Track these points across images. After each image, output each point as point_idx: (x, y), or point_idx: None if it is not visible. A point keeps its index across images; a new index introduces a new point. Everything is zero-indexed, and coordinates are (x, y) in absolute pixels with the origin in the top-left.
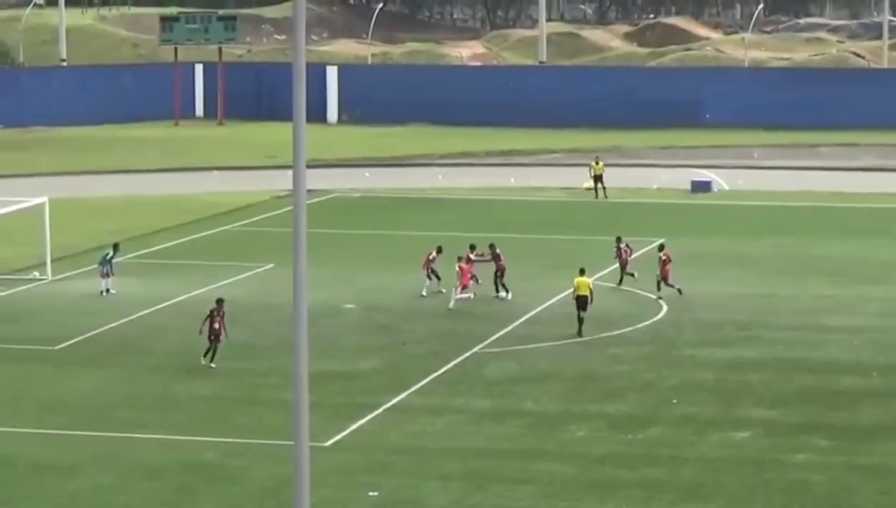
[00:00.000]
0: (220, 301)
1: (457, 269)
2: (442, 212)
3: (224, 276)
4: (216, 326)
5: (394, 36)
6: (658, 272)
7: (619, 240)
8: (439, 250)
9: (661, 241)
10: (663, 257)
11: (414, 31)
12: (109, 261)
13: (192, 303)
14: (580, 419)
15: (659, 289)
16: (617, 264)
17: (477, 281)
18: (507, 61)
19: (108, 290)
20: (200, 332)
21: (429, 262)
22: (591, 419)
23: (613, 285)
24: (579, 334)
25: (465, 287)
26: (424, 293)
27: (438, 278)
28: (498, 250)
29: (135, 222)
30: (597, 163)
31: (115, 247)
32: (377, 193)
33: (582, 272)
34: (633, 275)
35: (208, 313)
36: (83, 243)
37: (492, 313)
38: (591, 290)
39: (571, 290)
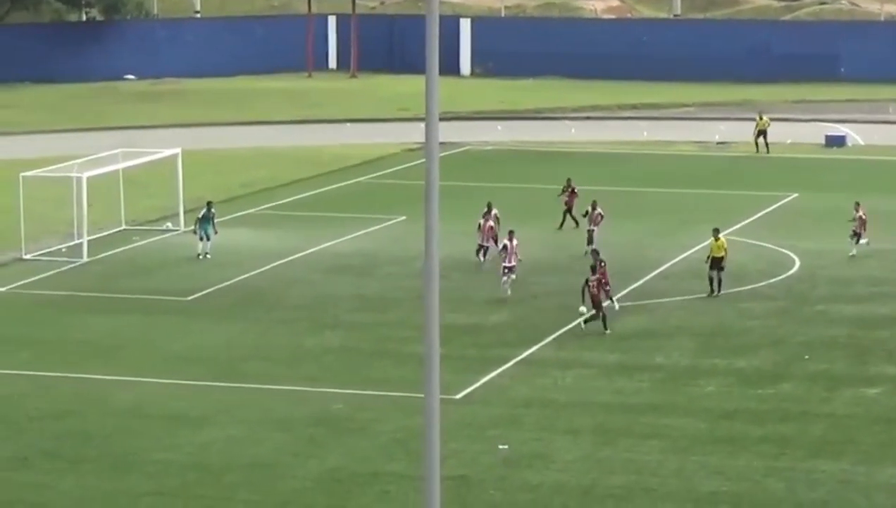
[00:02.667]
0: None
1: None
2: (574, 165)
3: (355, 228)
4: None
5: None
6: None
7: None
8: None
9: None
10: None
11: None
12: (202, 221)
13: (322, 256)
14: (710, 374)
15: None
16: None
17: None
18: (641, 14)
19: (206, 254)
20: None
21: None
22: (720, 374)
23: (747, 239)
24: (715, 292)
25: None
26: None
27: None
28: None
29: (266, 174)
30: (760, 118)
31: (209, 206)
32: (509, 146)
33: (716, 233)
34: (578, 223)
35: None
36: (215, 195)
37: (622, 267)
38: (725, 251)
39: (708, 252)
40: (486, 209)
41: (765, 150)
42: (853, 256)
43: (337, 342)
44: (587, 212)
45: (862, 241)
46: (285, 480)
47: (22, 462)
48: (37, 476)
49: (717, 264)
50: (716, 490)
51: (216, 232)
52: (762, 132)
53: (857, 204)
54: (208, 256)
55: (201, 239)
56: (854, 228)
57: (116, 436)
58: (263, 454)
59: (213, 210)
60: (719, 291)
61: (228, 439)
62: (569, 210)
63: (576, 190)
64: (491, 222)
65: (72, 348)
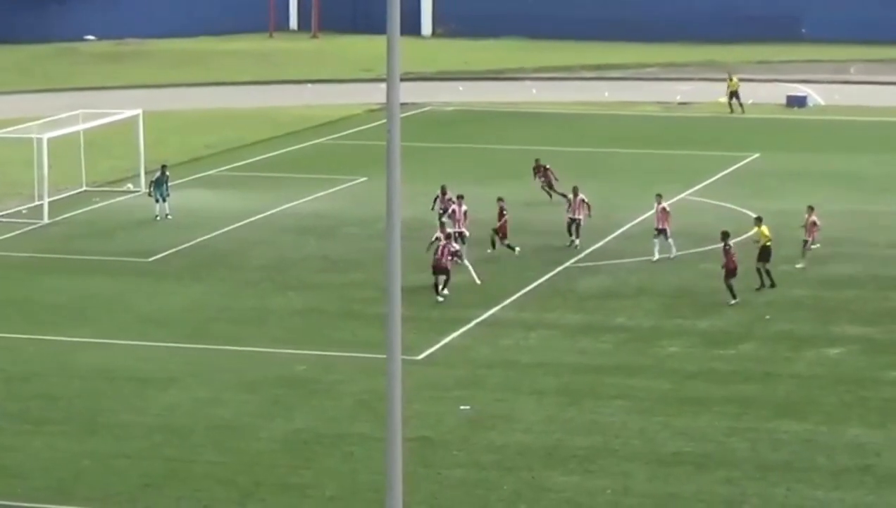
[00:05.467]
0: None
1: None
2: (536, 126)
3: (317, 189)
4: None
5: None
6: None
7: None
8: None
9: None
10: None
11: None
12: (157, 183)
13: (284, 216)
14: (673, 334)
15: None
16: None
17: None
18: None
19: (166, 215)
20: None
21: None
22: (684, 334)
23: (708, 199)
24: (766, 286)
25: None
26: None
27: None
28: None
29: (228, 135)
30: (731, 79)
31: (164, 169)
32: (471, 106)
33: (759, 221)
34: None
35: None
36: (177, 156)
37: (584, 228)
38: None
39: (756, 241)
40: (441, 193)
41: (739, 110)
42: (801, 267)
43: (301, 304)
44: (566, 197)
45: (813, 246)
46: (251, 441)
47: None
48: (3, 438)
49: (765, 254)
50: (679, 450)
51: (168, 194)
52: (734, 93)
53: (811, 208)
54: (168, 217)
55: (157, 201)
56: (805, 235)
57: (82, 398)
58: (229, 415)
59: (167, 173)
60: (772, 283)
61: (194, 400)
62: (550, 187)
63: (548, 167)
64: (465, 207)
65: (35, 309)
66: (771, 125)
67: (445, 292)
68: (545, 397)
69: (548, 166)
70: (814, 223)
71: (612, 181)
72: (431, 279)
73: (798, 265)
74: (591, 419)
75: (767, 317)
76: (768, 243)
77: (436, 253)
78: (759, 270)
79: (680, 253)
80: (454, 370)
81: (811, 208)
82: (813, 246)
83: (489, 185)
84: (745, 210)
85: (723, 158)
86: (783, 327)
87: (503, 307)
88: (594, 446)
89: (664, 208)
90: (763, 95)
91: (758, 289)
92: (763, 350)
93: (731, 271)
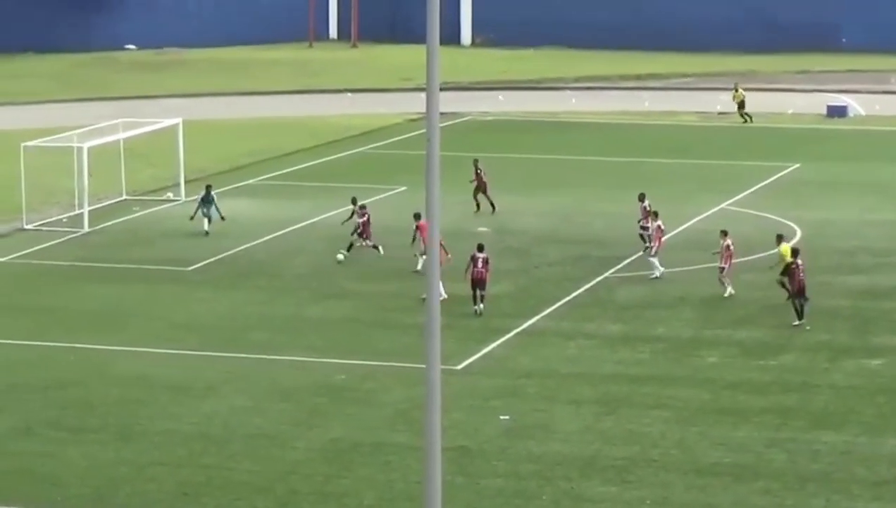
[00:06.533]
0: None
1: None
2: (575, 136)
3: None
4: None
5: None
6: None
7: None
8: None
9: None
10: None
11: None
12: (204, 203)
13: (323, 225)
14: (712, 344)
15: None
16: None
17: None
18: None
19: (206, 232)
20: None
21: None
22: (722, 344)
23: (748, 210)
24: (800, 317)
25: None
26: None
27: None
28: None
29: (267, 144)
30: (736, 90)
31: (208, 189)
32: (510, 116)
33: (780, 240)
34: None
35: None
36: (216, 165)
37: (623, 237)
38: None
39: (778, 262)
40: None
41: (749, 120)
42: (731, 295)
43: (339, 312)
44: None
45: (723, 277)
46: (288, 450)
47: (26, 432)
48: (41, 445)
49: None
50: (718, 461)
51: (223, 218)
52: (740, 104)
53: (724, 233)
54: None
55: (206, 217)
56: (720, 262)
57: (120, 406)
58: (266, 424)
59: (212, 193)
60: (801, 316)
61: (232, 409)
62: (480, 191)
63: (480, 172)
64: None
65: (74, 317)
66: (811, 135)
67: (482, 305)
68: (583, 406)
69: (480, 170)
70: (727, 247)
71: (651, 191)
72: (471, 290)
73: (726, 294)
74: (629, 429)
75: (807, 327)
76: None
77: (474, 265)
78: (782, 282)
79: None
80: (493, 380)
81: (724, 233)
82: (724, 278)
83: (529, 194)
84: (785, 220)
85: (763, 169)
86: (822, 337)
87: (543, 317)
88: (632, 456)
89: (659, 226)
90: (803, 105)
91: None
92: (802, 361)
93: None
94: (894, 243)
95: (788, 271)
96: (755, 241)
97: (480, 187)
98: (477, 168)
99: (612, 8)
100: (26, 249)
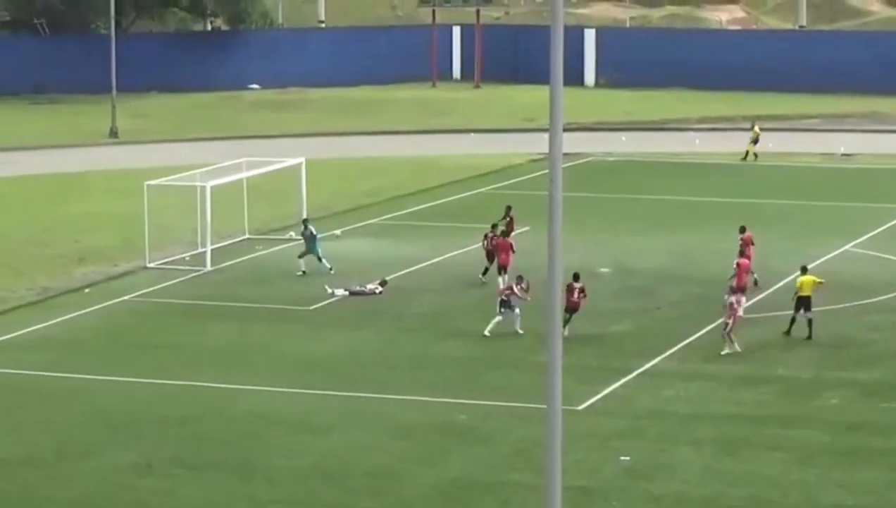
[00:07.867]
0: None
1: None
2: (699, 177)
3: (478, 239)
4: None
5: None
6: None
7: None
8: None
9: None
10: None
11: None
12: (308, 240)
13: (445, 265)
14: (833, 386)
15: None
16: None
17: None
18: (767, 25)
19: (302, 271)
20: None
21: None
22: (843, 386)
23: (872, 252)
24: (810, 336)
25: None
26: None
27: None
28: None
29: (389, 184)
30: (753, 127)
31: (305, 223)
32: (633, 157)
33: (804, 271)
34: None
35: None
36: (339, 204)
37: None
38: (815, 285)
39: (795, 291)
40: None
41: (752, 157)
42: (727, 352)
43: (460, 352)
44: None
45: (727, 333)
46: (407, 487)
47: (145, 469)
48: (160, 482)
49: (805, 303)
50: (839, 502)
51: (320, 259)
52: (755, 141)
53: (732, 289)
54: (302, 272)
55: (300, 256)
56: (725, 318)
57: (239, 443)
58: (386, 461)
59: (310, 227)
60: (810, 334)
61: (350, 445)
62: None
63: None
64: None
65: (195, 355)
66: None
67: (566, 331)
68: (703, 447)
69: (511, 216)
70: (731, 306)
71: (773, 232)
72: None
73: (723, 352)
74: (748, 469)
75: None
76: (808, 295)
77: (570, 295)
78: (805, 319)
79: (843, 305)
80: (614, 420)
81: (732, 289)
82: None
83: (650, 234)
84: None
85: (888, 211)
86: None
87: (664, 358)
88: (752, 496)
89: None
90: None
91: (784, 334)
92: None
93: None
94: None
95: None
96: (878, 283)
97: (508, 233)
98: (508, 214)
99: (736, 51)
100: (148, 287)
